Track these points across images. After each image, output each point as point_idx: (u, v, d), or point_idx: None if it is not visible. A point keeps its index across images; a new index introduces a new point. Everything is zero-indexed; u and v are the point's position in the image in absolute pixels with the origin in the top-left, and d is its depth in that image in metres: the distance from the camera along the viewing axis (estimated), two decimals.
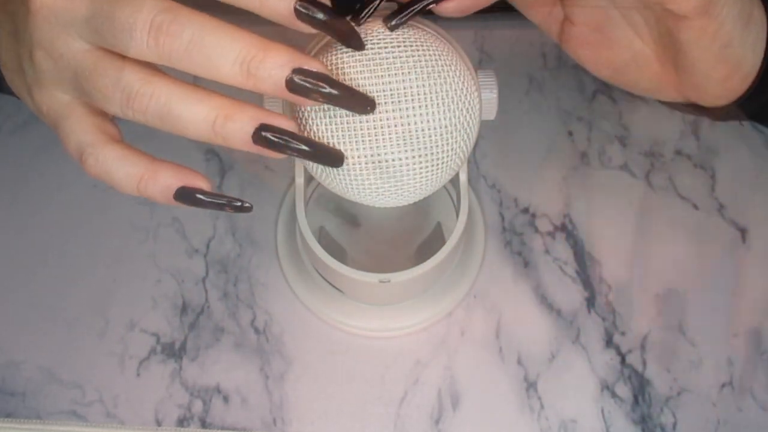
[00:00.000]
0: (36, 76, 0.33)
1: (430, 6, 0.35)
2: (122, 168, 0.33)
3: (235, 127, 0.31)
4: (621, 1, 0.40)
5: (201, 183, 0.33)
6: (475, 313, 0.51)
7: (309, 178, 0.47)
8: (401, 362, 0.50)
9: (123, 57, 0.31)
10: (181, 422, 0.48)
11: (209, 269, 0.52)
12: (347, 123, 0.35)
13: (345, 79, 0.35)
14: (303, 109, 0.36)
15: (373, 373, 0.50)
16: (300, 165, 0.45)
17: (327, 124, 0.35)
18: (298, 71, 0.31)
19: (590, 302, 0.51)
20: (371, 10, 0.35)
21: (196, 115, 0.31)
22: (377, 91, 0.35)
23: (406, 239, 0.52)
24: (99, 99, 0.32)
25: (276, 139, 0.32)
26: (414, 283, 0.46)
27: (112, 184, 0.33)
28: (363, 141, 0.35)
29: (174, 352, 0.50)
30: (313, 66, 0.31)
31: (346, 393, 0.49)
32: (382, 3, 0.39)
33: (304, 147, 0.33)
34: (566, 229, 0.53)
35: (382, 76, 0.35)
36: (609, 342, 0.50)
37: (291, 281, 0.51)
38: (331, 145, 0.35)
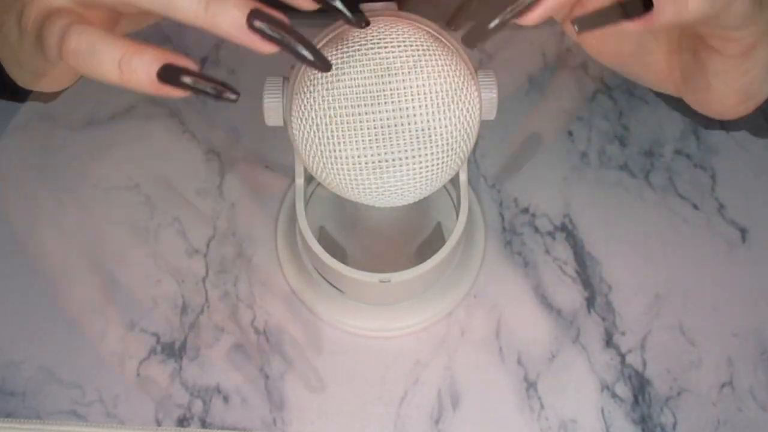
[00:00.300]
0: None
1: (512, 20, 0.33)
2: (105, 44, 0.30)
3: (229, 6, 0.30)
4: (661, 23, 0.39)
5: (187, 63, 0.31)
6: (475, 313, 0.51)
7: (309, 178, 0.47)
8: (401, 362, 0.50)
9: None
10: (181, 422, 0.48)
11: (209, 269, 0.52)
12: (347, 123, 0.35)
13: (345, 80, 0.35)
14: (306, 105, 0.36)
15: (373, 373, 0.50)
16: (300, 165, 0.45)
17: (327, 123, 0.35)
18: (256, 12, 0.30)
19: (590, 302, 0.51)
20: (462, 14, 0.34)
21: (110, 47, 0.30)
22: (377, 91, 0.35)
23: (406, 239, 0.52)
24: None
25: (268, 30, 0.30)
26: (414, 283, 0.46)
27: (91, 64, 0.31)
28: (363, 141, 0.35)
29: (174, 352, 0.50)
30: (273, 10, 0.30)
31: (346, 393, 0.49)
32: (393, 3, 0.38)
33: (295, 43, 0.31)
34: (566, 229, 0.53)
35: (382, 76, 0.35)
36: (609, 342, 0.50)
37: (291, 281, 0.51)
38: (330, 143, 0.35)
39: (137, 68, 0.30)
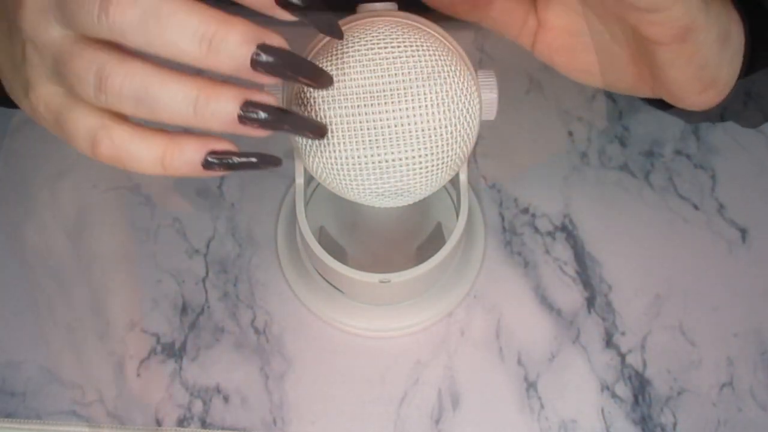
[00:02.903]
0: (30, 72, 0.32)
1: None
2: (142, 146, 0.31)
3: (219, 107, 0.30)
4: (599, 14, 0.39)
5: (227, 145, 0.31)
6: (475, 313, 0.51)
7: (309, 178, 0.47)
8: (401, 362, 0.50)
9: (99, 41, 0.30)
10: (181, 422, 0.48)
11: (209, 269, 0.52)
12: (347, 123, 0.35)
13: (345, 80, 0.35)
14: (306, 106, 0.36)
15: (373, 373, 0.50)
16: (300, 165, 0.45)
17: (327, 124, 0.35)
18: (261, 47, 0.29)
19: (590, 302, 0.51)
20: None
21: (175, 95, 0.29)
22: (377, 91, 0.35)
23: (406, 239, 0.52)
24: (75, 83, 0.30)
25: (260, 119, 0.30)
26: (414, 283, 0.46)
27: (131, 164, 0.31)
28: (363, 141, 0.35)
29: (174, 352, 0.50)
30: (274, 41, 0.30)
31: (346, 393, 0.49)
32: (384, 3, 0.39)
33: (290, 123, 0.31)
34: (566, 229, 0.53)
35: (382, 76, 0.35)
36: (609, 342, 0.50)
37: (291, 281, 0.51)
38: (330, 143, 0.35)
39: (181, 164, 0.31)
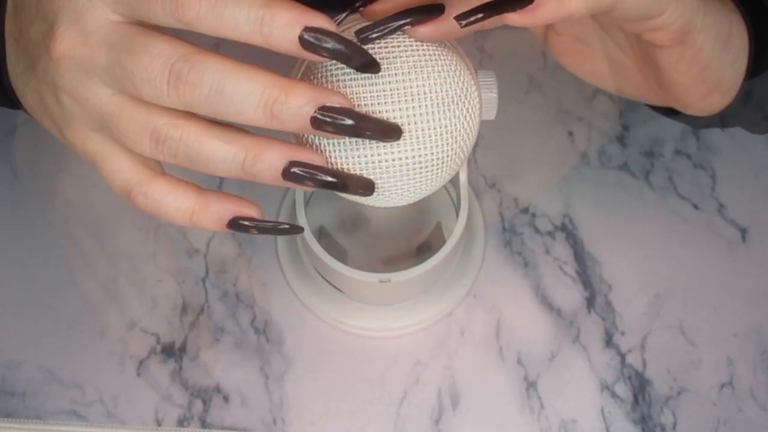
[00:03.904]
0: (65, 116, 0.33)
1: (404, 27, 0.34)
2: (173, 203, 0.33)
3: (264, 167, 0.31)
4: (600, 22, 0.40)
5: (251, 211, 0.33)
6: (475, 313, 0.51)
7: None
8: (401, 362, 0.50)
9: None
10: (181, 422, 0.48)
11: (209, 269, 0.52)
12: None
13: (345, 80, 0.35)
14: None
15: (373, 373, 0.50)
16: None
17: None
18: (322, 108, 0.31)
19: (590, 302, 0.51)
20: (376, 34, 0.34)
21: (225, 156, 0.31)
22: (377, 91, 0.35)
23: (406, 239, 0.52)
24: (128, 143, 0.32)
25: (305, 174, 0.32)
26: (414, 283, 0.46)
27: (163, 217, 0.33)
28: (363, 141, 0.35)
29: (174, 352, 0.50)
30: (335, 101, 0.31)
31: (346, 393, 0.49)
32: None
33: (331, 179, 0.33)
34: (566, 229, 0.53)
35: (382, 76, 0.35)
36: (609, 342, 0.50)
37: (291, 281, 0.51)
38: (330, 143, 0.35)
39: (206, 223, 0.33)
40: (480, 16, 0.33)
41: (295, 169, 0.32)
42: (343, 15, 0.36)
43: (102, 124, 0.32)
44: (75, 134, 0.34)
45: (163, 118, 0.31)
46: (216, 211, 0.33)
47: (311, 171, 0.32)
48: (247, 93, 0.30)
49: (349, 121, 0.32)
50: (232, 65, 0.30)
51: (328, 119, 0.31)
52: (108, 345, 0.50)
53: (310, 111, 0.31)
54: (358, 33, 0.34)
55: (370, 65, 0.33)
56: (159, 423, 0.48)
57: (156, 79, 0.30)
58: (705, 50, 0.37)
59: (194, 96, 0.30)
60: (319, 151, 0.36)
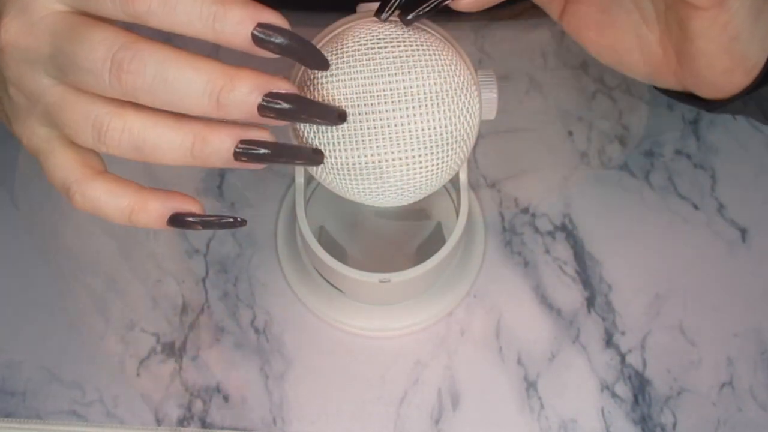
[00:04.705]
0: (13, 109, 0.33)
1: (447, 2, 0.34)
2: (111, 202, 0.32)
3: (214, 149, 0.31)
4: None
5: (192, 207, 0.33)
6: (475, 313, 0.51)
7: (309, 178, 0.47)
8: (401, 362, 0.50)
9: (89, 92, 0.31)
10: (181, 422, 0.48)
11: (209, 269, 0.52)
12: (347, 123, 0.35)
13: (345, 80, 0.35)
14: None
15: (373, 373, 0.50)
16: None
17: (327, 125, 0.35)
18: (268, 95, 0.31)
19: (590, 302, 0.51)
20: (393, 8, 0.35)
21: (172, 143, 0.31)
22: (377, 91, 0.35)
23: (406, 239, 0.52)
24: (71, 134, 0.31)
25: (256, 153, 0.31)
26: (414, 283, 0.46)
27: (102, 217, 0.33)
28: (363, 141, 0.35)
29: (174, 352, 0.50)
30: (282, 87, 0.31)
31: (346, 393, 0.49)
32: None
33: (285, 157, 0.33)
34: (566, 229, 0.53)
35: (382, 76, 0.35)
36: (609, 342, 0.50)
37: (291, 281, 0.51)
38: (330, 143, 0.35)
39: (146, 222, 0.33)
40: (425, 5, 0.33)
41: (245, 149, 0.31)
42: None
43: (47, 116, 0.32)
44: (22, 128, 0.33)
45: (105, 108, 0.31)
46: (155, 209, 0.32)
47: (263, 149, 0.32)
48: (191, 81, 0.30)
49: (289, 106, 0.31)
50: (177, 54, 0.30)
51: (274, 105, 0.31)
52: (108, 345, 0.50)
53: (257, 98, 0.30)
54: (401, 16, 0.34)
55: (321, 64, 0.33)
56: (159, 423, 0.48)
57: (97, 68, 0.29)
58: (738, 18, 0.37)
59: (136, 85, 0.29)
60: (321, 145, 0.36)
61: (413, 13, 0.34)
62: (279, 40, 0.30)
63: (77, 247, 0.53)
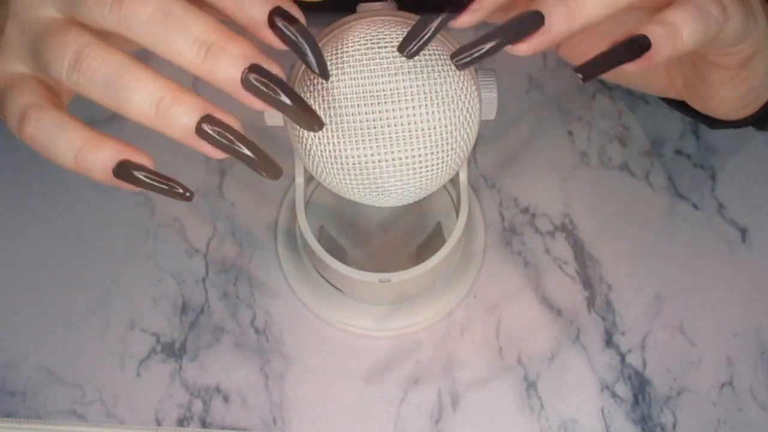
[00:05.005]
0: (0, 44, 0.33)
1: (504, 47, 0.32)
2: (63, 133, 0.31)
3: (180, 112, 0.30)
4: (660, 59, 0.38)
5: (143, 159, 0.31)
6: (475, 312, 0.51)
7: (309, 178, 0.47)
8: (401, 362, 0.50)
9: (86, 27, 0.31)
10: (181, 422, 0.48)
11: (209, 269, 0.52)
12: (347, 123, 0.35)
13: (345, 80, 0.35)
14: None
15: (373, 373, 0.50)
16: (300, 165, 0.45)
17: (327, 123, 0.35)
18: (254, 68, 0.30)
19: (590, 302, 0.51)
20: (421, 42, 0.33)
21: (142, 90, 0.30)
22: (377, 91, 0.35)
23: (406, 239, 0.52)
24: (50, 58, 0.31)
25: (217, 136, 0.30)
26: (414, 283, 0.46)
27: (48, 151, 0.31)
28: (363, 141, 0.35)
29: (174, 352, 0.50)
30: (273, 68, 0.31)
31: (346, 393, 0.49)
32: (384, 2, 0.39)
33: (245, 150, 0.31)
34: (566, 229, 0.53)
35: (382, 76, 0.35)
36: (609, 342, 0.50)
37: (291, 281, 0.51)
38: (330, 143, 0.35)
39: (93, 163, 0.31)
40: (599, 67, 0.32)
41: (208, 127, 0.30)
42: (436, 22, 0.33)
43: (32, 48, 0.32)
44: (1, 64, 0.33)
45: (92, 38, 0.30)
46: (107, 150, 0.31)
47: (226, 135, 0.31)
48: (191, 25, 0.29)
49: (271, 88, 0.30)
50: (184, 3, 0.30)
51: (254, 79, 0.30)
52: (108, 345, 0.50)
53: (243, 65, 0.30)
54: (452, 57, 0.32)
55: (323, 72, 0.32)
56: (159, 423, 0.48)
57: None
58: (758, 73, 0.37)
59: (136, 14, 0.29)
60: (321, 145, 0.36)
61: (468, 59, 0.32)
62: (292, 32, 0.31)
63: (77, 246, 0.53)
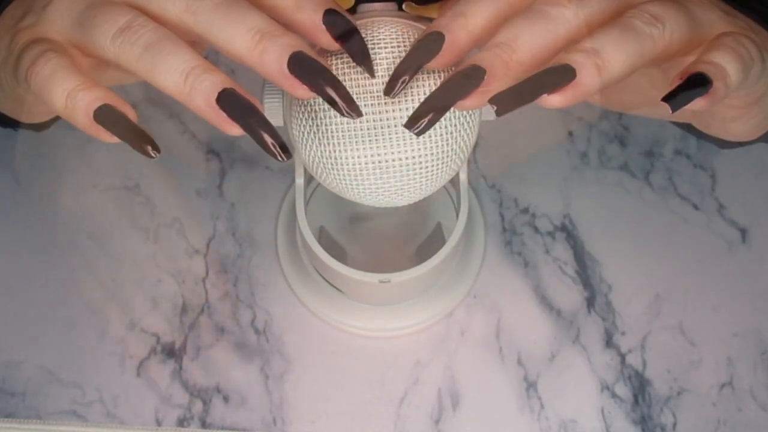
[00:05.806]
0: (36, 18, 0.33)
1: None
2: (63, 74, 0.31)
3: (205, 84, 0.31)
4: (587, 90, 0.34)
5: (128, 110, 0.32)
6: (475, 313, 0.51)
7: (309, 178, 0.47)
8: (401, 362, 0.50)
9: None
10: (181, 422, 0.48)
11: (209, 269, 0.52)
12: (347, 123, 0.35)
13: (345, 80, 0.35)
14: (306, 106, 0.36)
15: (373, 373, 0.50)
16: (300, 165, 0.45)
17: (327, 124, 0.35)
18: (296, 57, 0.31)
19: (590, 302, 0.51)
20: (402, 86, 0.33)
21: (178, 58, 0.31)
22: (377, 91, 0.35)
23: (406, 239, 0.52)
24: (99, 21, 0.32)
25: (236, 108, 0.31)
26: (414, 283, 0.46)
27: (44, 90, 0.32)
28: (363, 141, 0.35)
29: (174, 352, 0.50)
30: (315, 55, 0.32)
31: (346, 393, 0.49)
32: (384, 3, 0.39)
33: (260, 130, 0.31)
34: (566, 229, 0.53)
35: (382, 76, 0.35)
36: (609, 342, 0.50)
37: (291, 281, 0.51)
38: (330, 143, 0.35)
39: (79, 103, 0.31)
40: (516, 99, 0.30)
41: (227, 98, 0.31)
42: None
43: (81, 14, 0.32)
44: (36, 27, 0.33)
45: (143, 17, 0.31)
46: (95, 91, 0.31)
47: (244, 111, 0.31)
48: (252, 16, 0.31)
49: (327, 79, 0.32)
50: None
51: (301, 71, 0.31)
52: (108, 345, 0.50)
53: (293, 51, 0.31)
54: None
55: (369, 70, 0.33)
56: (159, 423, 0.48)
57: None
58: (765, 108, 0.37)
59: (204, 2, 0.31)
60: (321, 146, 0.36)
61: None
62: (343, 30, 0.32)
63: (77, 246, 0.53)
